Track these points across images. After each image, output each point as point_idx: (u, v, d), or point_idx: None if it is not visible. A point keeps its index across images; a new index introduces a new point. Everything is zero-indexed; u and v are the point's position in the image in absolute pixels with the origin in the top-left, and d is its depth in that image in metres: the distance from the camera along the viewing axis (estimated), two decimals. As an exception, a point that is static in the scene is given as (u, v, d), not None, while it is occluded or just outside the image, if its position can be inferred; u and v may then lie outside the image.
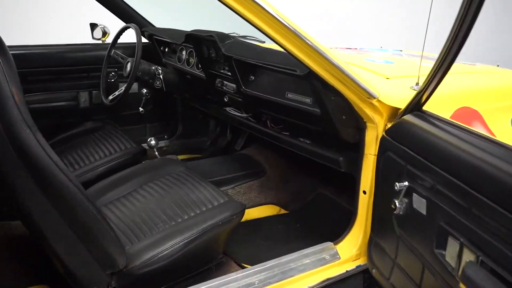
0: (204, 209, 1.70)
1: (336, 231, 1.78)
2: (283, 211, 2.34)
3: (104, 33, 2.64)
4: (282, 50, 1.39)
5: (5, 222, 1.97)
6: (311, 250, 1.67)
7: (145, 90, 2.53)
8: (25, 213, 1.29)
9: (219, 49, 2.00)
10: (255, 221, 2.22)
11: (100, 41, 2.67)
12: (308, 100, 1.73)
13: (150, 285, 1.56)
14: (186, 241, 1.54)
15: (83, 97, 2.66)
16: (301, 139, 1.95)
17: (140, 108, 2.55)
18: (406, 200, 1.37)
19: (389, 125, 1.53)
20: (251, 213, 2.27)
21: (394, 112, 1.55)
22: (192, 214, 1.67)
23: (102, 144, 2.31)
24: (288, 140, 1.96)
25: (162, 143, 3.00)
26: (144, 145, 2.53)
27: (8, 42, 1.41)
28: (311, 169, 2.36)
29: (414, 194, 1.32)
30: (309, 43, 1.35)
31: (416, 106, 1.42)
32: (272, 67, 1.81)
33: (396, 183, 1.36)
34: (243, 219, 2.24)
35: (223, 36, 2.03)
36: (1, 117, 1.15)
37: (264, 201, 2.33)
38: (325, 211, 2.21)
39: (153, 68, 2.40)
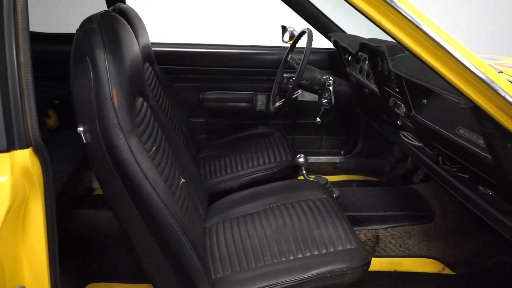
0: (324, 251, 1.42)
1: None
2: (447, 271, 1.85)
3: (292, 37, 2.53)
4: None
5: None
6: None
7: (325, 100, 2.34)
8: (116, 218, 1.26)
9: (388, 63, 1.67)
10: (406, 274, 1.82)
11: (288, 45, 2.58)
12: (481, 141, 1.28)
13: None
14: (284, 285, 1.31)
15: (260, 100, 2.62)
16: (481, 188, 1.48)
17: (317, 118, 2.38)
18: None
19: None
20: (404, 264, 1.87)
21: None
22: (308, 254, 1.42)
23: (260, 151, 2.21)
24: (456, 184, 1.50)
25: (336, 159, 2.77)
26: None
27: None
28: (498, 227, 1.81)
29: None
30: (468, 66, 0.95)
31: None
32: (439, 92, 1.40)
33: None
34: (392, 268, 1.88)
35: (395, 49, 1.66)
36: (99, 119, 1.14)
37: (424, 253, 1.88)
38: (503, 286, 1.66)
39: (324, 78, 2.18)
